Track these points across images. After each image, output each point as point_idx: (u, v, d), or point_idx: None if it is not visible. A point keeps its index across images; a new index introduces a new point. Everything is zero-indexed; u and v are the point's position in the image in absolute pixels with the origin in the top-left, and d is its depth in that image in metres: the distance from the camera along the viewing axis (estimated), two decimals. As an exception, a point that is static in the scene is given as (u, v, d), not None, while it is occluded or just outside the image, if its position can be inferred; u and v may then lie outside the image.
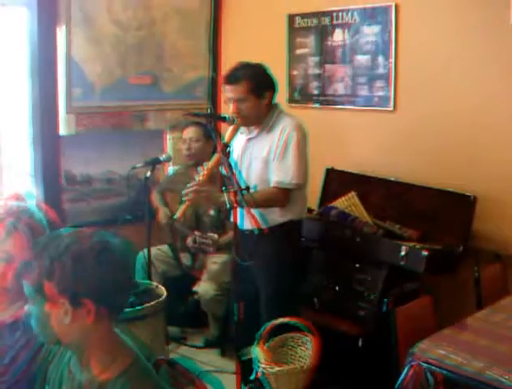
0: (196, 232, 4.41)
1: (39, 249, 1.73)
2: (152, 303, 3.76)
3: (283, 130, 3.54)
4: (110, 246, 1.74)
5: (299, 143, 3.53)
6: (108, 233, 1.79)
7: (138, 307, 3.65)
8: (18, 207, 2.24)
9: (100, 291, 1.71)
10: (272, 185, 3.55)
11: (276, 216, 3.60)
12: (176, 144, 5.10)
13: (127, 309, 2.93)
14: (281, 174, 3.52)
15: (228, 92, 3.55)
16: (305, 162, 3.60)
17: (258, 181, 3.59)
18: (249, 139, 3.67)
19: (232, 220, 3.28)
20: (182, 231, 4.67)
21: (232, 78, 3.52)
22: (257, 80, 3.53)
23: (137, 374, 1.74)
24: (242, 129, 3.68)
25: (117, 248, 1.76)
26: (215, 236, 4.31)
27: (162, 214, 4.73)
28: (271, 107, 3.63)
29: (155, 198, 4.88)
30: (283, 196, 3.55)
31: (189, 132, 4.68)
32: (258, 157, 3.61)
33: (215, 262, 4.57)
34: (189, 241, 4.52)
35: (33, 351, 2.11)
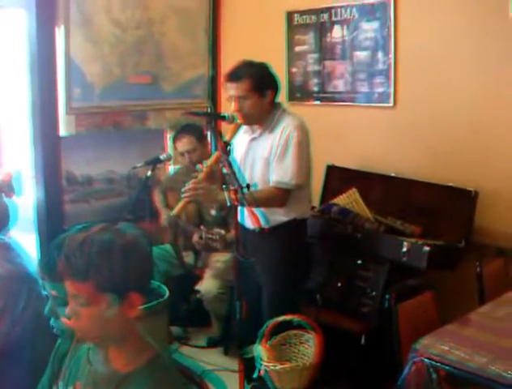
0: (202, 228, 4.38)
1: (65, 251, 1.67)
2: (154, 303, 3.76)
3: (284, 130, 3.52)
4: (140, 238, 1.75)
5: (300, 143, 3.51)
6: (129, 225, 1.81)
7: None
8: None
9: (143, 282, 1.73)
10: (271, 184, 3.54)
11: (279, 216, 3.59)
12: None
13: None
14: (280, 174, 3.50)
15: (230, 90, 3.53)
16: (306, 162, 3.57)
17: (261, 182, 3.58)
18: (252, 139, 3.66)
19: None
20: (186, 229, 4.66)
21: (235, 75, 3.51)
22: (259, 78, 3.51)
23: (159, 368, 1.74)
24: (245, 129, 3.67)
25: (142, 237, 1.77)
26: (222, 231, 4.27)
27: (164, 217, 4.73)
28: (274, 106, 3.62)
29: (158, 198, 4.88)
30: (281, 196, 3.53)
31: (184, 145, 4.65)
32: (260, 157, 3.59)
33: (218, 260, 4.57)
34: (196, 237, 4.49)
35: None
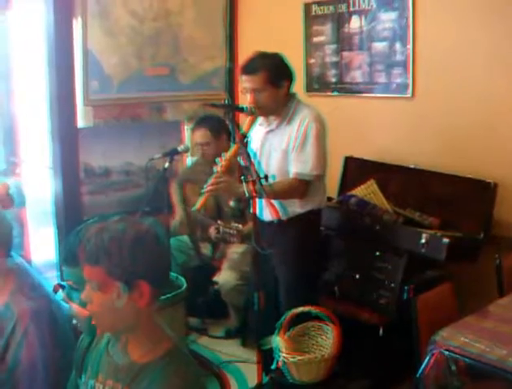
0: (219, 222, 4.38)
1: (83, 237, 1.75)
2: (172, 294, 3.77)
3: (302, 121, 3.52)
4: (156, 230, 1.80)
5: (318, 133, 3.50)
6: (147, 218, 1.85)
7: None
8: None
9: (153, 273, 1.77)
10: (292, 176, 3.54)
11: (296, 207, 3.59)
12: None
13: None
14: (301, 165, 3.50)
15: (245, 83, 3.53)
16: (324, 153, 3.57)
17: (278, 173, 3.57)
18: (269, 131, 3.65)
19: (251, 210, 3.27)
20: (203, 221, 4.66)
21: (250, 68, 3.50)
22: (274, 70, 3.50)
23: (178, 359, 1.78)
24: (261, 120, 3.67)
25: (160, 232, 1.82)
26: (240, 226, 4.27)
27: (178, 215, 4.73)
28: (289, 97, 3.61)
29: (174, 190, 4.88)
30: (302, 187, 3.53)
31: (198, 137, 4.65)
32: (278, 149, 3.59)
33: (236, 252, 4.57)
34: (212, 230, 4.48)
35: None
